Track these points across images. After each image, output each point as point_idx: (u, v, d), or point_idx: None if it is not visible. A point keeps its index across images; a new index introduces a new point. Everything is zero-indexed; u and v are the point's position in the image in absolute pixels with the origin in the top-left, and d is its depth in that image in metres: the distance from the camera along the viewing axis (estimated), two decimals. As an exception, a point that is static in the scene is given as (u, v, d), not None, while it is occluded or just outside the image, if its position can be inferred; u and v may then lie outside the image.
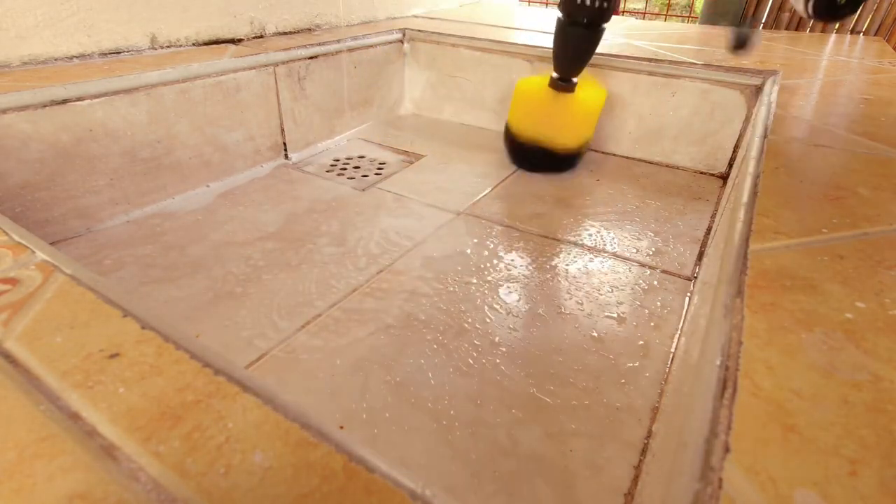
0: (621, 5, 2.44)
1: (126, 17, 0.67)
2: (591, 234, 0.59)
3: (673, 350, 0.43)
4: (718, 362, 0.21)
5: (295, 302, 0.47)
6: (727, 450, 0.17)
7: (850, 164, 0.40)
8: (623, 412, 0.37)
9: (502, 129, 0.92)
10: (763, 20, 1.43)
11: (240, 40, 0.80)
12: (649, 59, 0.76)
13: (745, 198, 0.34)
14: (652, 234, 0.59)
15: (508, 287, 0.50)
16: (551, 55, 0.68)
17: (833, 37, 1.09)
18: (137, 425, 0.18)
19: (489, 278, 0.51)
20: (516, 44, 0.86)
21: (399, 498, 0.16)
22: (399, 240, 0.57)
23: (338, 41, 0.83)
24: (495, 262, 0.54)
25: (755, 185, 0.36)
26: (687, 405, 0.21)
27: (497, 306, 0.47)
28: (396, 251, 0.55)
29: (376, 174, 0.75)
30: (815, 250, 0.29)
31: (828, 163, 0.40)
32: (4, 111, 0.48)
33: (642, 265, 0.54)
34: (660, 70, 0.75)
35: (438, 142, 0.87)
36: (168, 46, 0.72)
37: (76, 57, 0.63)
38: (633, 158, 0.81)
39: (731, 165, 0.74)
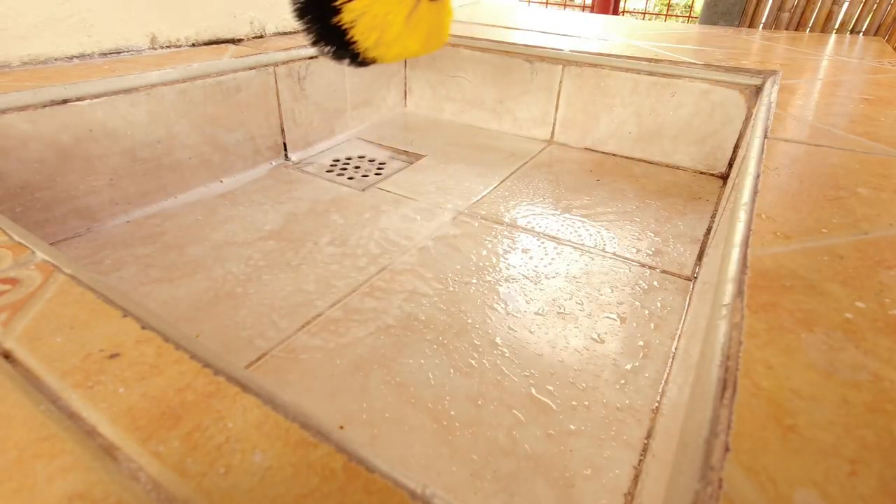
0: (621, 5, 2.44)
1: (126, 17, 0.67)
2: (591, 234, 0.59)
3: (673, 350, 0.43)
4: (718, 362, 0.21)
5: (295, 302, 0.47)
6: (727, 450, 0.17)
7: (850, 164, 0.40)
8: (623, 412, 0.37)
9: (502, 128, 0.92)
10: (763, 20, 1.43)
11: (240, 40, 0.80)
12: (649, 59, 0.76)
13: (745, 198, 0.34)
14: (652, 234, 0.59)
15: (508, 287, 0.50)
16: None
17: (833, 37, 1.09)
18: (137, 425, 0.18)
19: (489, 278, 0.51)
20: (516, 44, 0.86)
21: (399, 498, 0.16)
22: (399, 240, 0.57)
23: (338, 41, 0.82)
24: (495, 261, 0.54)
25: (755, 185, 0.36)
26: (687, 405, 0.21)
27: (497, 306, 0.47)
28: (396, 251, 0.55)
29: (376, 174, 0.75)
30: (815, 250, 0.29)
31: (828, 163, 0.40)
32: (4, 111, 0.48)
33: (642, 265, 0.54)
34: (660, 70, 0.75)
35: (438, 142, 0.87)
36: (168, 46, 0.72)
37: (76, 57, 0.63)
38: (633, 158, 0.81)
39: (731, 165, 0.74)
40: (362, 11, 0.46)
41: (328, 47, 0.51)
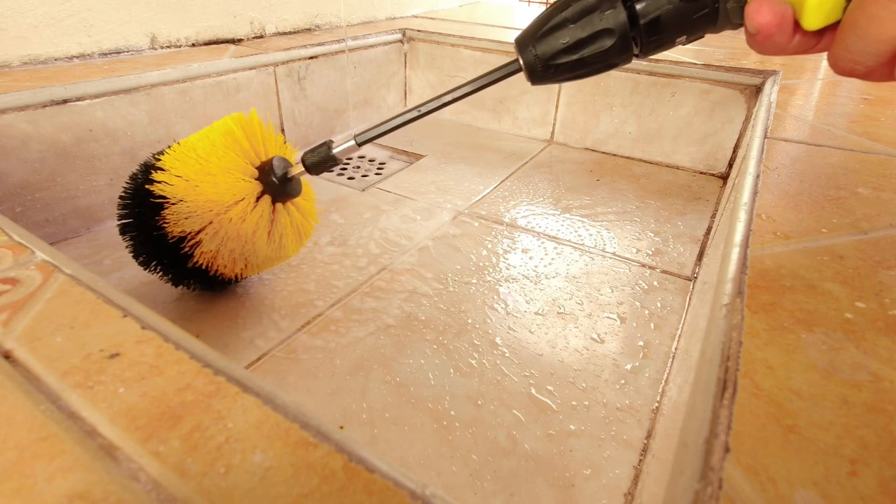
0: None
1: (126, 17, 0.67)
2: (591, 234, 0.59)
3: (673, 350, 0.43)
4: (718, 362, 0.21)
5: (295, 302, 0.47)
6: (727, 450, 0.17)
7: (850, 164, 0.40)
8: (623, 412, 0.37)
9: (502, 128, 0.92)
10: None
11: (240, 40, 0.80)
12: (649, 59, 0.76)
13: (745, 198, 0.34)
14: (652, 234, 0.59)
15: (508, 287, 0.50)
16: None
17: (833, 37, 1.08)
18: (137, 425, 0.18)
19: (489, 278, 0.51)
20: (516, 44, 0.86)
21: (399, 498, 0.16)
22: (399, 239, 0.57)
23: (338, 41, 0.83)
24: (495, 261, 0.54)
25: (755, 185, 0.36)
26: (687, 405, 0.21)
27: (497, 306, 0.47)
28: (396, 251, 0.55)
29: (376, 174, 0.75)
30: (815, 250, 0.29)
31: (828, 163, 0.40)
32: (4, 111, 0.48)
33: (642, 265, 0.54)
34: (660, 70, 0.75)
35: (438, 142, 0.87)
36: (168, 46, 0.72)
37: (76, 57, 0.63)
38: (633, 158, 0.81)
39: (731, 165, 0.74)
40: (215, 251, 0.40)
41: (195, 284, 0.45)
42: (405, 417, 0.36)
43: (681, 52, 0.80)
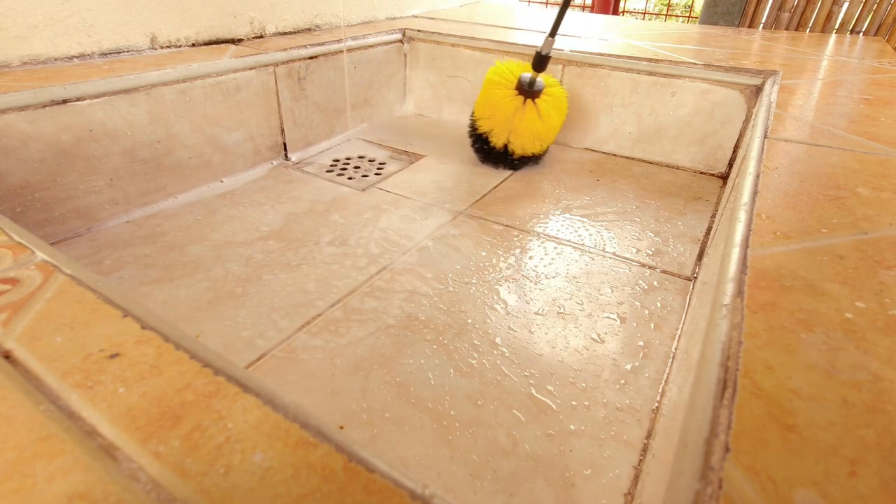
0: (621, 5, 2.44)
1: (126, 17, 0.67)
2: (591, 234, 0.59)
3: (673, 350, 0.43)
4: (718, 362, 0.21)
5: (295, 302, 0.47)
6: (727, 450, 0.17)
7: (850, 164, 0.40)
8: (623, 412, 0.37)
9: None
10: (763, 20, 1.42)
11: (240, 40, 0.80)
12: (649, 59, 0.76)
13: (745, 198, 0.34)
14: (652, 234, 0.59)
15: (508, 287, 0.50)
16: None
17: (833, 37, 1.09)
18: (137, 425, 0.18)
19: (489, 278, 0.51)
20: (516, 44, 0.86)
21: (399, 498, 0.16)
22: (399, 240, 0.57)
23: (338, 41, 0.83)
24: (495, 261, 0.54)
25: (755, 185, 0.36)
26: (687, 405, 0.21)
27: (497, 306, 0.47)
28: (396, 251, 0.55)
29: (376, 174, 0.75)
30: (815, 250, 0.29)
31: (828, 163, 0.40)
32: (4, 111, 0.48)
33: (642, 265, 0.54)
34: (660, 70, 0.75)
35: (438, 142, 0.87)
36: (168, 46, 0.72)
37: (76, 57, 0.63)
38: (633, 158, 0.81)
39: (731, 165, 0.74)
40: (519, 143, 0.74)
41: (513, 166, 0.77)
42: (405, 417, 0.36)
43: (681, 52, 0.80)
